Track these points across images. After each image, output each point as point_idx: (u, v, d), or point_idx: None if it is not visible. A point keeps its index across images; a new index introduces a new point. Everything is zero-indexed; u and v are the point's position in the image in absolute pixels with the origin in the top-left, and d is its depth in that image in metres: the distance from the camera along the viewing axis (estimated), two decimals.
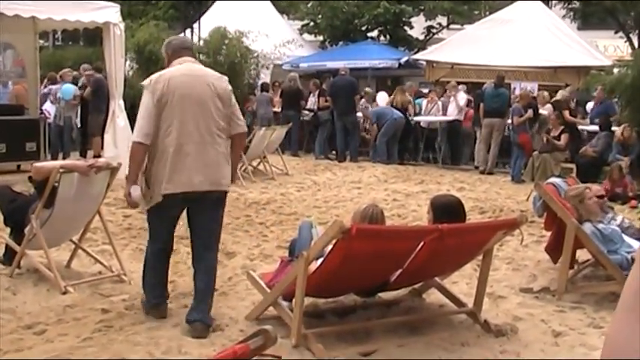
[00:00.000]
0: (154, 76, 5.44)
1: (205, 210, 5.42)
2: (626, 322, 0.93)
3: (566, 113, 15.36)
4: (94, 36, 14.72)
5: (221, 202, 5.51)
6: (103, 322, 5.53)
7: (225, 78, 5.64)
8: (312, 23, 27.77)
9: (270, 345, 2.72)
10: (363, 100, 18.02)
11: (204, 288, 5.44)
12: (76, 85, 15.92)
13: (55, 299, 6.08)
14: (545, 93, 16.74)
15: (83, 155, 14.43)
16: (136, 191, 5.34)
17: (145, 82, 5.48)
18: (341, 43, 26.98)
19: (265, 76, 21.84)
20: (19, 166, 12.00)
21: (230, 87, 5.59)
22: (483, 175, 15.09)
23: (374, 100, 18.53)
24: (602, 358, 0.98)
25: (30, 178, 6.84)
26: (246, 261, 7.55)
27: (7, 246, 6.95)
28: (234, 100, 5.57)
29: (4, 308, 5.81)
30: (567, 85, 17.31)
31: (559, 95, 16.54)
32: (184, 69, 5.46)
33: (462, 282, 6.68)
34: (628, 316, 0.94)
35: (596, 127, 14.77)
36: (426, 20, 27.97)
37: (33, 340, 5.15)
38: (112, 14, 12.33)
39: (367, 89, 18.96)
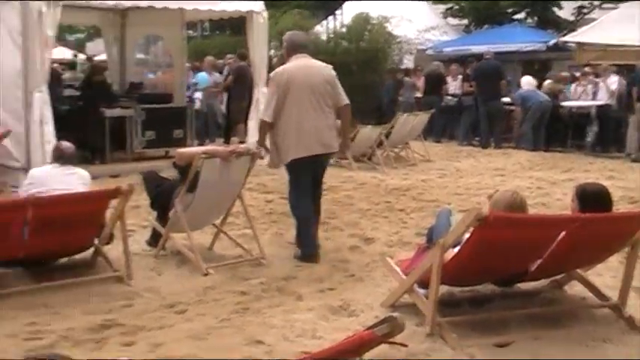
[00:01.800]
0: (278, 69, 7.11)
1: (319, 167, 7.13)
2: None
3: None
4: (239, 25, 15.02)
5: (329, 158, 7.35)
6: (241, 304, 5.65)
7: (330, 67, 7.19)
8: (456, 7, 27.30)
9: (398, 333, 2.67)
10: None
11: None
12: (221, 73, 16.40)
13: (197, 280, 6.27)
14: None
15: (227, 142, 14.75)
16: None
17: (272, 74, 7.21)
18: (486, 26, 26.39)
19: (409, 62, 21.66)
20: (167, 152, 12.41)
21: (334, 73, 7.11)
22: (636, 163, 14.39)
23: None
24: None
25: (174, 163, 7.07)
26: (385, 247, 7.52)
27: (153, 229, 7.22)
28: (338, 82, 7.08)
29: (148, 287, 6.05)
30: None
31: None
32: (300, 63, 7.02)
33: (606, 275, 6.34)
34: None
35: None
36: None
37: (174, 318, 5.33)
38: (256, 3, 12.54)
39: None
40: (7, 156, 10.33)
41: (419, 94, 18.58)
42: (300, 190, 7.06)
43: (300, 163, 6.89)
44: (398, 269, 5.67)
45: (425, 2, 25.84)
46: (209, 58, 17.01)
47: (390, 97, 19.14)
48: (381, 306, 5.54)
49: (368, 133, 13.48)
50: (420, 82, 18.71)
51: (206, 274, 6.39)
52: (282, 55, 7.95)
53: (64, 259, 6.54)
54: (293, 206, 7.16)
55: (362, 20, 20.09)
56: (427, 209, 9.38)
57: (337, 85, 7.08)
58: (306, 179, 7.03)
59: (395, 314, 2.78)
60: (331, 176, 11.25)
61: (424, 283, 5.18)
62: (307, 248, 7.00)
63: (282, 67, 7.09)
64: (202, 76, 16.26)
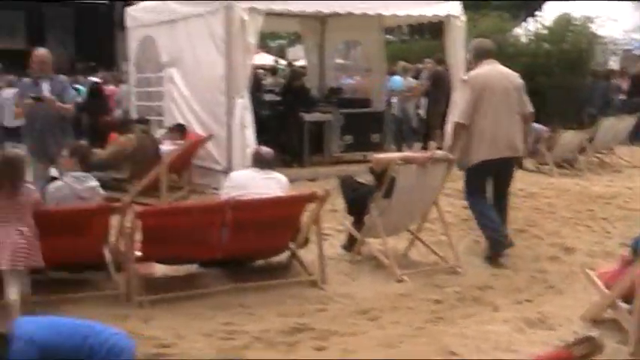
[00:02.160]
0: (472, 73, 7.43)
1: (507, 170, 7.28)
2: None
3: None
4: (438, 29, 14.95)
5: (515, 162, 7.49)
6: (435, 312, 5.62)
7: (517, 75, 7.37)
8: None
9: (597, 354, 2.55)
10: None
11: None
12: (416, 78, 16.36)
13: (390, 287, 6.29)
14: None
15: (425, 147, 14.69)
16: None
17: (467, 78, 7.58)
18: None
19: (614, 63, 20.73)
20: (364, 157, 12.52)
21: (522, 81, 7.32)
22: None
23: None
24: None
25: (371, 168, 7.13)
26: (586, 258, 7.24)
27: (349, 233, 7.30)
28: (524, 90, 7.30)
29: (343, 293, 6.13)
30: None
31: None
32: (492, 69, 7.22)
33: None
34: None
35: None
36: None
37: (366, 325, 5.36)
38: (454, 7, 12.42)
39: None
40: (209, 159, 10.84)
41: (623, 97, 17.72)
42: (477, 188, 7.21)
43: (488, 164, 7.06)
44: (599, 282, 5.43)
45: (631, 2, 24.61)
46: (401, 63, 17.01)
47: (603, 99, 18.34)
48: (581, 320, 5.34)
49: (570, 137, 13.04)
50: (626, 84, 17.83)
51: (400, 281, 6.40)
52: None
53: (260, 261, 6.77)
54: (472, 204, 7.29)
55: (564, 21, 19.39)
56: (633, 218, 8.94)
57: (523, 93, 7.32)
58: (484, 181, 7.23)
59: (595, 333, 2.65)
60: (532, 183, 11.01)
61: (628, 298, 4.93)
62: (496, 232, 7.06)
63: (475, 71, 7.34)
64: (397, 80, 16.30)
